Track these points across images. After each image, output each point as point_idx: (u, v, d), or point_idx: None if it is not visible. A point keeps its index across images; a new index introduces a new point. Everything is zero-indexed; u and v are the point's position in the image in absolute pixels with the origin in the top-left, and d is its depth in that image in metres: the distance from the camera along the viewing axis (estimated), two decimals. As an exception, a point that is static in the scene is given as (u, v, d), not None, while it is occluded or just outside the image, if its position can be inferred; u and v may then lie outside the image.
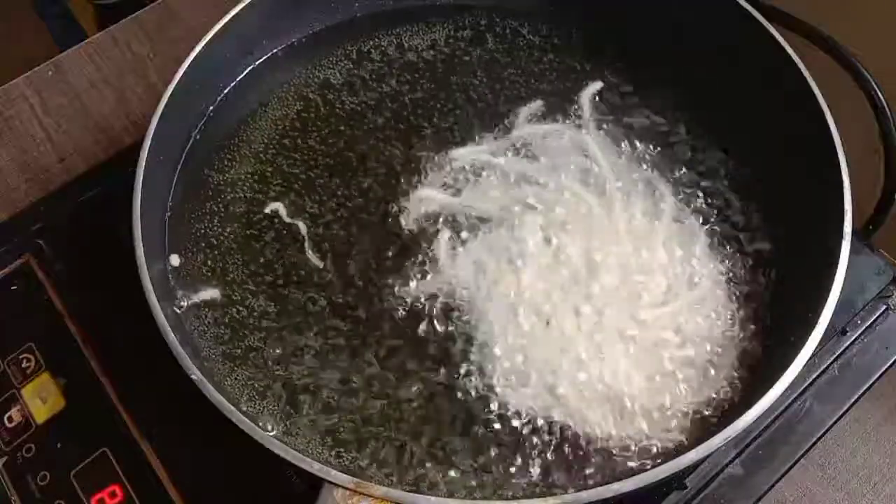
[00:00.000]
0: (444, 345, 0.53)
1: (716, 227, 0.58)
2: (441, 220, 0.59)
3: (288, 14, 0.68)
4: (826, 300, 0.47)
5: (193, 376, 0.45)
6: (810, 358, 0.46)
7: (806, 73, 0.56)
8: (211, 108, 0.65)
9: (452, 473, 0.49)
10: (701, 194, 0.60)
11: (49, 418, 0.55)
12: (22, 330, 0.58)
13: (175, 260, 0.57)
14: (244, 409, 0.51)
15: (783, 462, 0.53)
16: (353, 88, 0.67)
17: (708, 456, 0.47)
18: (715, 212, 0.59)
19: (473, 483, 0.49)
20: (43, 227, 0.63)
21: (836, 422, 0.54)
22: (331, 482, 0.42)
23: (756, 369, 0.52)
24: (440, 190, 0.60)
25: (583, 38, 0.69)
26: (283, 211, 0.60)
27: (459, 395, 0.52)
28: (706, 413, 0.51)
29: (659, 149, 0.62)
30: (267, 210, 0.60)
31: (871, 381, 0.56)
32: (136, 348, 0.54)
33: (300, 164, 0.62)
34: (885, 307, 0.58)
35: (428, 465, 0.49)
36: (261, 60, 0.68)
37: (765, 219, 0.58)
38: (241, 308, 0.56)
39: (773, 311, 0.54)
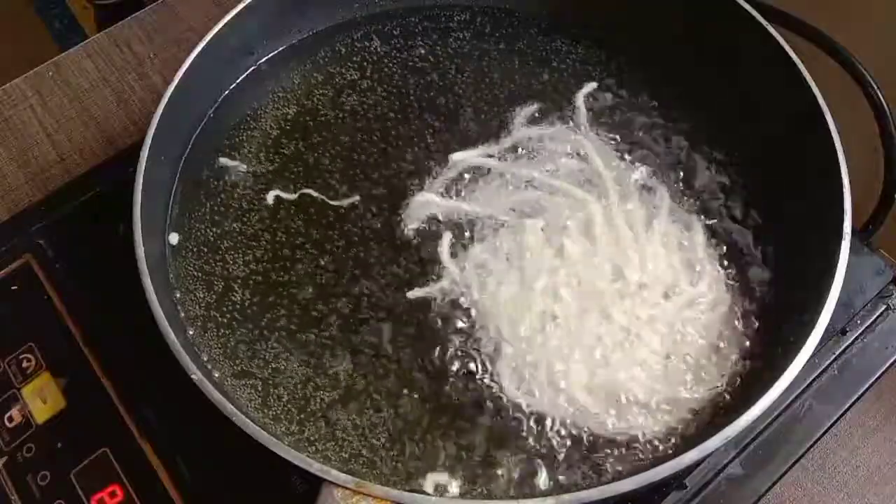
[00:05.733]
0: (450, 346, 0.54)
1: (715, 227, 0.58)
2: (442, 223, 0.59)
3: (288, 14, 0.68)
4: (826, 300, 0.47)
5: (193, 376, 0.45)
6: (810, 358, 0.46)
7: (805, 73, 0.56)
8: (211, 108, 0.65)
9: (453, 472, 0.49)
10: (700, 194, 0.60)
11: (49, 418, 0.55)
12: (22, 330, 0.58)
13: (176, 246, 0.58)
14: (244, 409, 0.51)
15: (783, 462, 0.53)
16: (353, 89, 0.67)
17: (708, 456, 0.47)
18: (714, 212, 0.59)
19: (474, 482, 0.49)
20: (43, 227, 0.63)
21: (836, 422, 0.54)
22: (331, 482, 0.42)
23: (756, 369, 0.52)
24: (441, 194, 0.60)
25: (582, 38, 0.69)
26: (283, 211, 0.60)
27: (465, 395, 0.52)
28: (706, 412, 0.51)
29: (657, 149, 0.62)
30: (267, 210, 0.60)
31: (871, 381, 0.56)
32: (136, 348, 0.54)
33: (300, 165, 0.62)
34: (884, 307, 0.58)
35: (429, 464, 0.49)
36: (261, 61, 0.68)
37: (765, 219, 0.58)
38: (241, 307, 0.56)
39: (773, 310, 0.54)
